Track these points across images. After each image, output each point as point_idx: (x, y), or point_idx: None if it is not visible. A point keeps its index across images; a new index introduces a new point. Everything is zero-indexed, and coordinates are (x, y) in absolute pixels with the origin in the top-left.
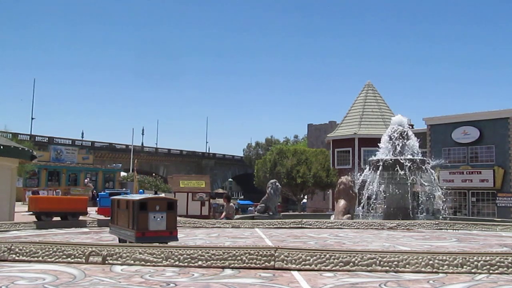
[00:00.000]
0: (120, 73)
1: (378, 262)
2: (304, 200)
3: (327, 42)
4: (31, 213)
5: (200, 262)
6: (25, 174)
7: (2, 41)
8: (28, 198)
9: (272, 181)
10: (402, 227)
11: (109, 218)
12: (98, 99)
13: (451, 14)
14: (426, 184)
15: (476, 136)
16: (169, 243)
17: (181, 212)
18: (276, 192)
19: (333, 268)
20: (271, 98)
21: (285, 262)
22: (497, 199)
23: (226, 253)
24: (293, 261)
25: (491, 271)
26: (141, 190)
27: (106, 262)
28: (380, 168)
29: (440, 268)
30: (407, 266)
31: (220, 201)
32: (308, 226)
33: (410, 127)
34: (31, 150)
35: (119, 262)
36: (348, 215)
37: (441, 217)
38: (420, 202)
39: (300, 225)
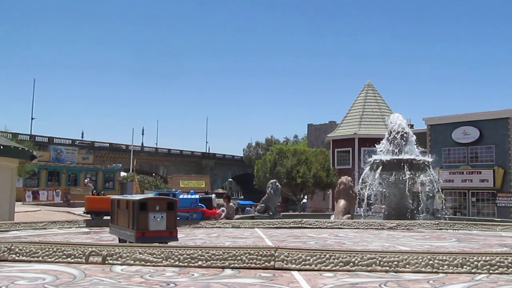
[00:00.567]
0: (120, 73)
1: (378, 262)
2: (304, 200)
3: (327, 42)
4: (84, 212)
5: (200, 262)
6: (25, 174)
7: (2, 41)
8: (85, 198)
9: (272, 181)
10: (402, 227)
11: None
12: (98, 99)
13: (451, 14)
14: (427, 184)
15: (476, 136)
16: (169, 243)
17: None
18: (276, 192)
19: (333, 268)
20: (271, 98)
21: (285, 262)
22: (497, 199)
23: (226, 253)
24: (293, 261)
25: (491, 271)
26: (192, 191)
27: (106, 262)
28: (380, 168)
29: (440, 268)
30: (407, 266)
31: (220, 201)
32: (308, 226)
33: (410, 127)
34: (31, 150)
35: (119, 262)
36: (348, 215)
37: (440, 215)
38: (420, 202)
39: (300, 225)
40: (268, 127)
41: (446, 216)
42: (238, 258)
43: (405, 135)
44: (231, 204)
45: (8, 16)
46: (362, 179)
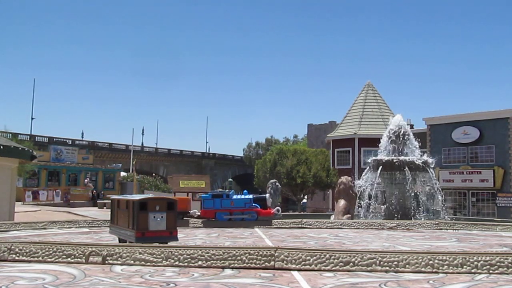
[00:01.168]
0: (120, 73)
1: (378, 262)
2: (304, 200)
3: (327, 42)
4: None
5: (200, 262)
6: (25, 174)
7: (2, 41)
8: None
9: (272, 181)
10: (402, 227)
11: (213, 219)
12: (98, 99)
13: (451, 14)
14: (427, 184)
15: (476, 136)
16: (169, 243)
17: None
18: (276, 192)
19: (333, 268)
20: (271, 98)
21: (285, 262)
22: (497, 199)
23: (226, 253)
24: (293, 261)
25: (491, 271)
26: (245, 191)
27: (106, 262)
28: (380, 168)
29: (440, 268)
30: (407, 266)
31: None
32: (308, 226)
33: (410, 127)
34: (31, 150)
35: (119, 262)
36: (348, 215)
37: (440, 216)
38: (420, 202)
39: (300, 225)
40: (268, 127)
41: (446, 216)
42: (238, 258)
43: (406, 136)
44: None
45: (8, 16)
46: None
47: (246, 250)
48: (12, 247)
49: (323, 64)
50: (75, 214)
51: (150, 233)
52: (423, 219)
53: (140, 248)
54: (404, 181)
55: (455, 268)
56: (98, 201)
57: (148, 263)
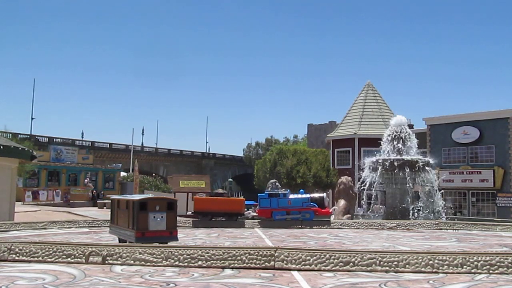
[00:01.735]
0: (120, 73)
1: (378, 262)
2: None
3: (327, 42)
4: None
5: (200, 262)
6: (25, 174)
7: (2, 40)
8: (194, 198)
9: (272, 181)
10: (402, 227)
11: (270, 219)
12: (98, 99)
13: (451, 14)
14: (427, 184)
15: (476, 136)
16: (169, 243)
17: (181, 212)
18: None
19: (333, 268)
20: (271, 98)
21: (285, 262)
22: (497, 199)
23: (226, 253)
24: (293, 261)
25: (491, 271)
26: (301, 190)
27: (106, 262)
28: (380, 169)
29: (440, 268)
30: (407, 266)
31: None
32: (308, 226)
33: (410, 127)
34: (31, 150)
35: (119, 262)
36: (348, 215)
37: (440, 216)
38: (420, 202)
39: (300, 225)
40: (268, 127)
41: (446, 216)
42: (238, 258)
43: (406, 136)
44: None
45: (8, 16)
46: (362, 179)
47: (246, 250)
48: (12, 247)
49: (323, 64)
50: (75, 214)
51: (150, 233)
52: (422, 219)
53: (140, 248)
54: (404, 181)
55: (455, 268)
56: (98, 201)
57: (148, 263)
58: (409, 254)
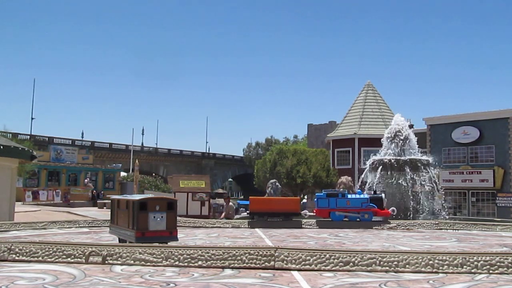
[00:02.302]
0: (120, 73)
1: (378, 262)
2: (304, 200)
3: (327, 42)
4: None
5: (200, 262)
6: (25, 174)
7: (2, 41)
8: (250, 199)
9: (272, 181)
10: (402, 227)
11: (327, 219)
12: (98, 99)
13: (450, 14)
14: (427, 184)
15: (476, 136)
16: (169, 243)
17: (181, 212)
18: (276, 192)
19: (333, 268)
20: (271, 98)
21: (285, 262)
22: (497, 199)
23: (226, 253)
24: (293, 261)
25: (491, 271)
26: (359, 191)
27: (106, 262)
28: (380, 168)
29: (440, 268)
30: (407, 266)
31: (220, 201)
32: (308, 226)
33: (410, 127)
34: (31, 150)
35: (119, 262)
36: None
37: (441, 217)
38: (420, 202)
39: (300, 225)
40: (268, 127)
41: (446, 216)
42: (238, 258)
43: (406, 136)
44: (231, 204)
45: (9, 16)
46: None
47: (246, 250)
48: (12, 247)
49: (323, 64)
50: (75, 214)
51: (150, 233)
52: (422, 219)
53: (140, 248)
54: (404, 181)
55: (455, 268)
56: (98, 201)
57: (148, 263)
58: (409, 254)
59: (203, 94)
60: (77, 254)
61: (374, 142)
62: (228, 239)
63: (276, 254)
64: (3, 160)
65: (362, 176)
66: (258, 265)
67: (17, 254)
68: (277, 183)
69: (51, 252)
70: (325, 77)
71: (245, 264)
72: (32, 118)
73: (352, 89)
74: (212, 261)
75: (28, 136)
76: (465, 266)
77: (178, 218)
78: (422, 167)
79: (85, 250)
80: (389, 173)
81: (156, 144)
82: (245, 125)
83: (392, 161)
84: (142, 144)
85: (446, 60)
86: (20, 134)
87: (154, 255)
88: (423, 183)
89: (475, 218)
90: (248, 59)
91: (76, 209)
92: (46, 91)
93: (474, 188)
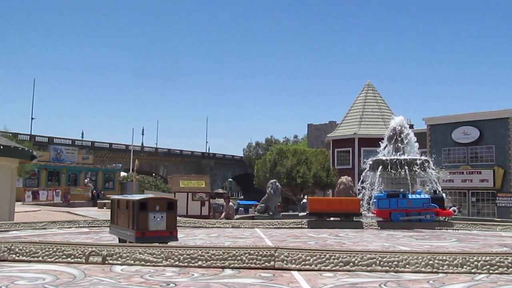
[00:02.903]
0: (120, 73)
1: (378, 262)
2: (304, 200)
3: (327, 42)
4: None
5: (200, 262)
6: (25, 174)
7: (2, 41)
8: (308, 199)
9: (272, 181)
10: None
11: (388, 220)
12: (98, 99)
13: (451, 14)
14: (427, 184)
15: (476, 136)
16: (169, 243)
17: (181, 212)
18: (276, 192)
19: (333, 268)
20: (271, 98)
21: (285, 262)
22: (497, 199)
23: (226, 253)
24: (293, 261)
25: (491, 271)
26: (419, 190)
27: (106, 262)
28: (380, 168)
29: (440, 268)
30: (407, 266)
31: (220, 201)
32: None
33: (410, 127)
34: (31, 150)
35: (119, 262)
36: None
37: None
38: None
39: (300, 225)
40: (268, 127)
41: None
42: (238, 258)
43: (406, 136)
44: (230, 204)
45: (8, 16)
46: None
47: (246, 250)
48: (12, 247)
49: (323, 64)
50: (75, 214)
51: (150, 233)
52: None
53: (140, 248)
54: (404, 181)
55: (455, 268)
56: (98, 201)
57: (148, 263)
58: (409, 254)
59: (203, 94)
60: (77, 254)
61: (374, 142)
62: (228, 239)
63: (276, 254)
64: (3, 160)
65: (362, 176)
66: (258, 265)
67: (17, 254)
68: (277, 183)
69: (51, 252)
70: (325, 77)
71: (245, 264)
72: (32, 118)
73: (352, 89)
74: (212, 261)
75: (28, 136)
76: (465, 266)
77: (178, 218)
78: (422, 167)
79: (85, 250)
80: (389, 173)
81: (156, 144)
82: (245, 125)
83: (392, 161)
84: (142, 144)
85: (446, 60)
86: (20, 134)
87: (154, 255)
88: (423, 183)
89: (475, 218)
90: (248, 59)
91: (76, 209)
92: (46, 91)
93: (474, 188)
